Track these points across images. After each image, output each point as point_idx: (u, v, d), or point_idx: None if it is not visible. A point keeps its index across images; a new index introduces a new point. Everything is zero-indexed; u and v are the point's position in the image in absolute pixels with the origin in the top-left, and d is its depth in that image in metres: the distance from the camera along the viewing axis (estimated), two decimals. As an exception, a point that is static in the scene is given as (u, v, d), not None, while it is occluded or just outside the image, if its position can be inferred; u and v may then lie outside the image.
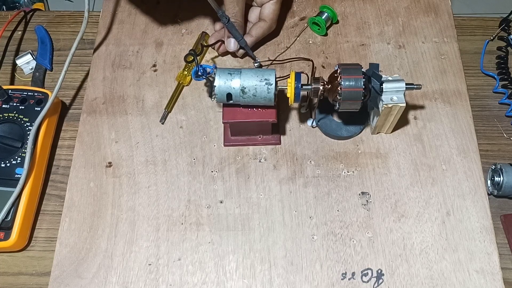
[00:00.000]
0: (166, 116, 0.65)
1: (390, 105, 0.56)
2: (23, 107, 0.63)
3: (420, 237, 0.57)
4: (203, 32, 0.71)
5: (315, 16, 0.70)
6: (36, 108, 0.63)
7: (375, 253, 0.57)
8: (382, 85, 0.56)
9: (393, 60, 0.69)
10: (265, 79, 0.54)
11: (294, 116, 0.65)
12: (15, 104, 0.63)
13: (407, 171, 0.61)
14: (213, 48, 0.68)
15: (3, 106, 0.62)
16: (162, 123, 0.65)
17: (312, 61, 0.67)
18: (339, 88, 0.54)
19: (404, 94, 0.56)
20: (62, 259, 0.57)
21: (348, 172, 0.61)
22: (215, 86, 0.55)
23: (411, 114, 0.65)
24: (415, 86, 0.57)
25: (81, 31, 0.65)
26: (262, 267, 0.56)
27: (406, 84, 0.56)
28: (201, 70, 0.55)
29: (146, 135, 0.64)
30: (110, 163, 0.62)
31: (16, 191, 0.57)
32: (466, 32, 0.74)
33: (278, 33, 0.71)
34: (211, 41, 0.68)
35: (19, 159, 0.60)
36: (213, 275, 0.56)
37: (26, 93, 0.63)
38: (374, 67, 0.58)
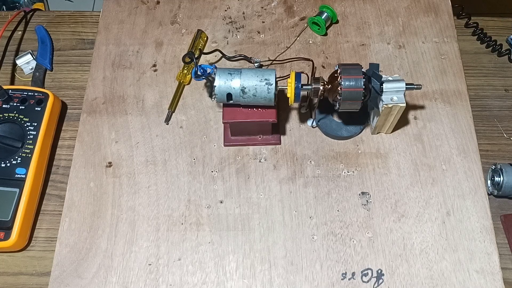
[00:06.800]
0: (170, 116, 0.65)
1: (390, 105, 0.56)
2: (23, 107, 0.63)
3: (420, 237, 0.57)
4: (199, 30, 0.71)
5: (315, 16, 0.70)
6: (36, 108, 0.63)
7: (375, 253, 0.57)
8: (382, 85, 0.55)
9: (393, 60, 0.69)
10: (265, 79, 0.54)
11: (294, 116, 0.65)
12: (15, 104, 0.63)
13: (407, 171, 0.61)
14: None
15: (3, 106, 0.62)
16: (167, 124, 0.65)
17: (312, 61, 0.68)
18: (339, 88, 0.54)
19: (404, 94, 0.56)
20: (62, 259, 0.57)
21: (348, 172, 0.61)
22: (215, 86, 0.55)
23: (411, 114, 0.65)
24: (415, 86, 0.57)
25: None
26: (262, 267, 0.56)
27: (406, 84, 0.56)
28: (201, 70, 0.55)
29: (146, 135, 0.64)
30: (110, 163, 0.62)
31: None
32: (466, 32, 0.74)
33: (278, 33, 0.71)
34: None
35: (19, 159, 0.60)
36: (213, 275, 0.56)
37: (26, 93, 0.63)
38: (374, 67, 0.58)
